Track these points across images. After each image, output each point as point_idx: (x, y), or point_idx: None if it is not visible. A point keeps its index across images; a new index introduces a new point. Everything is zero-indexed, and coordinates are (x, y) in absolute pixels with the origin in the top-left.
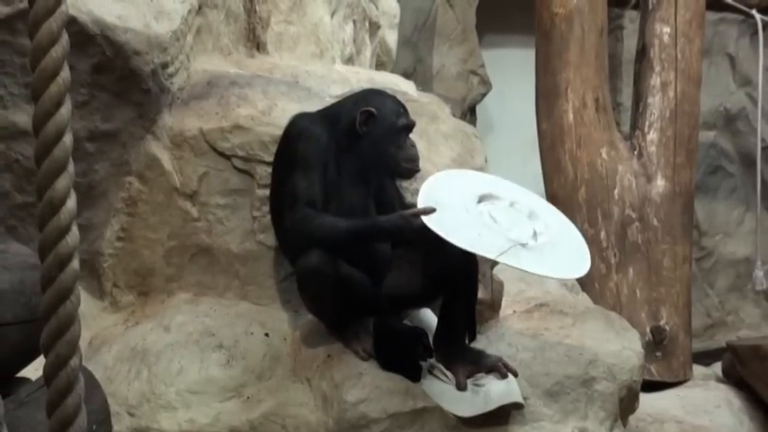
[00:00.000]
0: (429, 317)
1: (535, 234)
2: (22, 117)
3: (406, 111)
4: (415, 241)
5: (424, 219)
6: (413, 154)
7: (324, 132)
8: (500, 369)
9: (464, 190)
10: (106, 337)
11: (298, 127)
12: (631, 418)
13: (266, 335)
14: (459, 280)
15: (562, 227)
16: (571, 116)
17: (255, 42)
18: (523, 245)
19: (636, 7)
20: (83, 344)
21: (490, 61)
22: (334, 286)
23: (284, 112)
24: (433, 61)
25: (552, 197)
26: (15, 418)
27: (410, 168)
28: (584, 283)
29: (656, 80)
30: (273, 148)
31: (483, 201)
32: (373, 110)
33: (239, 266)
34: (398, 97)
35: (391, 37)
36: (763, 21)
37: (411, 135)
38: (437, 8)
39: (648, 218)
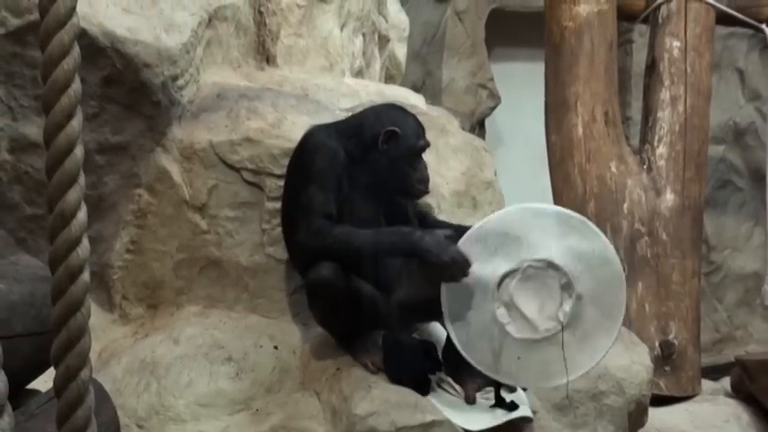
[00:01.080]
0: (438, 330)
1: (565, 314)
2: (32, 129)
3: (424, 131)
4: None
5: (449, 329)
6: (425, 176)
7: (340, 147)
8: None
9: (487, 270)
10: (115, 349)
11: (314, 140)
12: None
13: (275, 348)
14: None
15: (601, 285)
16: (580, 130)
17: (265, 55)
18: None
19: (645, 21)
20: (92, 356)
21: (499, 75)
22: (344, 299)
23: (294, 125)
24: (443, 75)
25: None
26: (25, 431)
27: (421, 190)
28: None
29: (665, 94)
30: (283, 161)
31: (506, 278)
32: (397, 129)
33: (248, 279)
34: (414, 114)
35: (400, 50)
36: None
37: None
38: (446, 22)
39: (657, 232)
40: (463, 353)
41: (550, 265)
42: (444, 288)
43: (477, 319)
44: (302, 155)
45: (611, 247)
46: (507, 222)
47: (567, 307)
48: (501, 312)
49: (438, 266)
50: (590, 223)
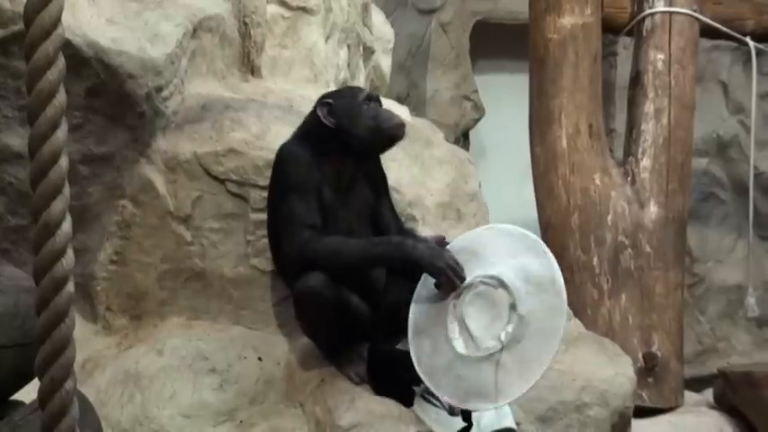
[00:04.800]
0: None
1: (506, 334)
2: (16, 140)
3: (364, 90)
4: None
5: (410, 344)
6: (389, 115)
7: (310, 153)
8: None
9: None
10: (99, 360)
11: (286, 153)
12: None
13: (259, 359)
14: None
15: (543, 308)
16: (564, 142)
17: (250, 66)
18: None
19: (630, 34)
20: (76, 367)
21: (483, 87)
22: (331, 309)
23: (278, 136)
24: (427, 86)
25: (545, 223)
26: None
27: (392, 127)
28: (577, 309)
29: (649, 107)
30: (267, 173)
31: (462, 293)
32: (329, 100)
33: (233, 290)
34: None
35: (385, 62)
36: (756, 48)
37: (406, 159)
38: (431, 34)
39: (641, 244)
40: (417, 369)
41: (501, 284)
42: (412, 305)
43: (434, 335)
44: (277, 169)
45: (558, 272)
46: (475, 240)
47: (510, 327)
48: (452, 327)
49: (432, 273)
50: (543, 245)
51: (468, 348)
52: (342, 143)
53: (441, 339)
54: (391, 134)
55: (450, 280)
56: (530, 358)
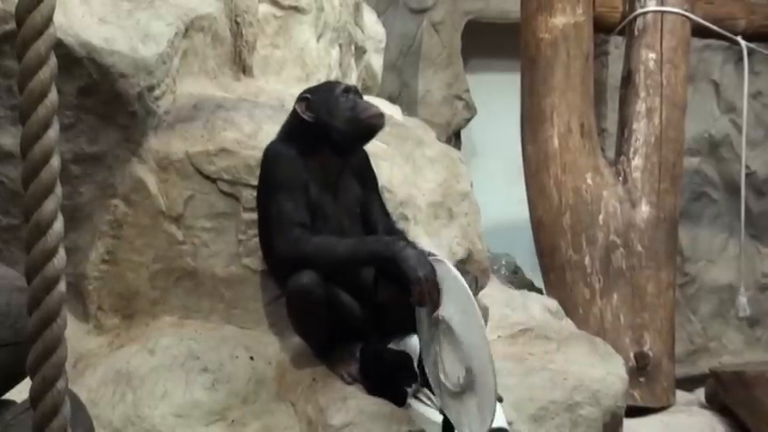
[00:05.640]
0: (414, 342)
1: (465, 371)
2: (8, 139)
3: (341, 83)
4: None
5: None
6: (367, 106)
7: (294, 150)
8: None
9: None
10: (91, 359)
11: (271, 152)
12: None
13: (251, 358)
14: None
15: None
16: (556, 141)
17: (241, 66)
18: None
19: (621, 33)
20: (67, 366)
21: (475, 86)
22: (323, 307)
23: (270, 135)
24: (419, 86)
25: (537, 222)
26: None
27: (370, 117)
28: (569, 308)
29: (641, 106)
30: (259, 172)
31: (437, 325)
32: (307, 95)
33: (224, 290)
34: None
35: (377, 61)
36: (748, 48)
37: (397, 159)
38: (422, 33)
39: (633, 244)
40: (434, 387)
41: (449, 326)
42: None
43: (431, 362)
44: (263, 169)
45: (479, 320)
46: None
47: (466, 364)
48: (437, 358)
49: (409, 280)
50: (466, 292)
51: (448, 382)
52: (324, 137)
53: (434, 367)
54: (369, 124)
55: (421, 293)
56: (482, 399)
